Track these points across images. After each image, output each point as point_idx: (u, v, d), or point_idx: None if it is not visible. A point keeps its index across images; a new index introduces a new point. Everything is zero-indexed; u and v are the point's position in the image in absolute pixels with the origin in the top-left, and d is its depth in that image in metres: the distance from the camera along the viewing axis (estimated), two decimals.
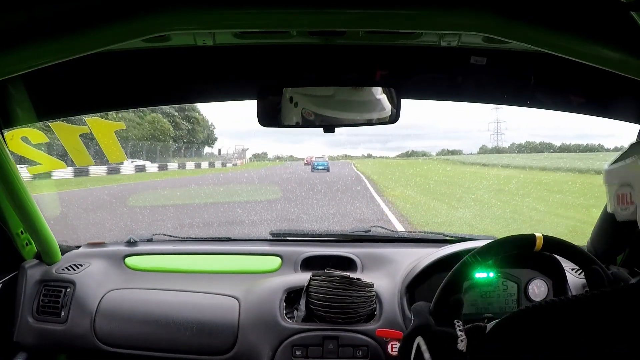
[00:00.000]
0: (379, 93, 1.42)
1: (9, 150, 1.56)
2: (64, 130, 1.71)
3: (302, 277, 1.68)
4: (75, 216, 9.96)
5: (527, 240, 1.15)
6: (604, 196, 0.99)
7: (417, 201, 13.35)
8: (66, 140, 1.70)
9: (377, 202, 13.01)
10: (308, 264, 1.85)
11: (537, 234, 1.15)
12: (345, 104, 1.40)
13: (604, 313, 0.73)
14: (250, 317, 1.62)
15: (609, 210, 0.93)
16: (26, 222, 1.70)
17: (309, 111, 1.40)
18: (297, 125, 1.41)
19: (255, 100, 1.38)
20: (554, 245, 1.16)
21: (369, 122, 1.44)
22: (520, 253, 1.20)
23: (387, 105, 1.41)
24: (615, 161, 0.89)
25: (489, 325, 0.94)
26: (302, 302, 1.61)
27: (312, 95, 1.40)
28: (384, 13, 0.89)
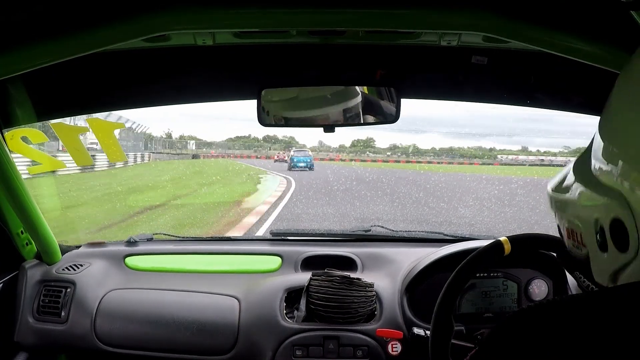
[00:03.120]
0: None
1: (9, 150, 1.56)
2: (64, 130, 1.71)
3: (303, 277, 1.68)
4: None
5: (495, 247, 1.14)
6: None
7: None
8: (66, 140, 1.70)
9: None
10: (308, 263, 1.85)
11: (501, 238, 1.15)
12: (312, 101, 1.39)
13: (604, 311, 0.73)
14: (250, 317, 1.62)
15: (562, 238, 0.87)
16: (26, 222, 1.70)
17: (280, 116, 1.40)
18: (295, 125, 1.41)
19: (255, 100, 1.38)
20: (521, 241, 1.16)
21: (363, 121, 1.42)
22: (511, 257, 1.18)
23: (358, 91, 1.39)
24: (559, 184, 0.81)
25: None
26: (303, 302, 1.61)
27: (277, 100, 1.39)
28: (384, 13, 0.89)
